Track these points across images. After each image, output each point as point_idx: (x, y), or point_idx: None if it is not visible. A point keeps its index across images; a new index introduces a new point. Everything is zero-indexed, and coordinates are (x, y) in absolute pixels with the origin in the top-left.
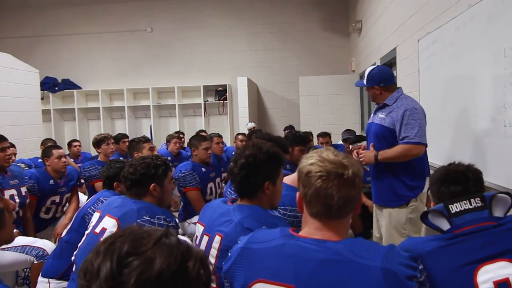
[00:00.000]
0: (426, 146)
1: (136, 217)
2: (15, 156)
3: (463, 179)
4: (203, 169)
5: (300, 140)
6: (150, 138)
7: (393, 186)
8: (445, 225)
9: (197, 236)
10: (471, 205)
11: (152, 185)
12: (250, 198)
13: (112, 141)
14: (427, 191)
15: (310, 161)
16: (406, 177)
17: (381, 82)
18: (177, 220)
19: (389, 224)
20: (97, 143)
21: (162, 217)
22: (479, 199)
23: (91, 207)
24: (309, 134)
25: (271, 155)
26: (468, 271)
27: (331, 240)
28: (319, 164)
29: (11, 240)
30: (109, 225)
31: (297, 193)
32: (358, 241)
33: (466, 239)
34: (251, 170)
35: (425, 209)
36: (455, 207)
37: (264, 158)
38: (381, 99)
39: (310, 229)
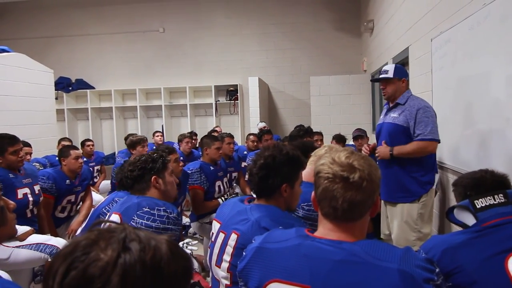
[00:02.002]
0: (439, 142)
1: (136, 209)
2: (30, 156)
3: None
4: (211, 168)
5: (304, 133)
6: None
7: (405, 183)
8: (470, 220)
9: (213, 233)
10: (495, 200)
11: (153, 177)
12: (267, 199)
13: (147, 143)
14: (436, 186)
15: (322, 161)
16: (418, 173)
17: (407, 76)
18: (178, 210)
19: (401, 220)
20: (133, 145)
21: (162, 208)
22: (502, 195)
23: (106, 207)
24: (319, 134)
25: (291, 157)
26: (499, 259)
27: (347, 241)
28: (328, 165)
29: (12, 235)
30: (113, 220)
31: (313, 192)
32: (374, 243)
33: (494, 231)
34: (270, 171)
35: (431, 204)
36: (480, 203)
37: (283, 160)
38: (399, 95)
39: (325, 229)
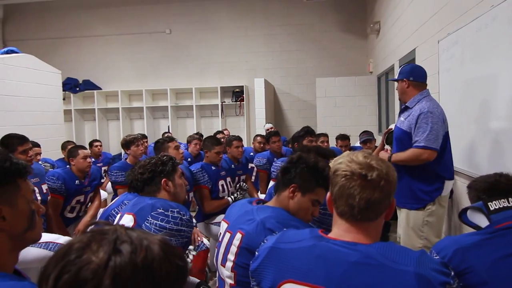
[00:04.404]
0: (437, 151)
1: (150, 210)
2: (40, 156)
3: None
4: (213, 168)
5: (305, 133)
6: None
7: (411, 189)
8: (483, 222)
9: (220, 233)
10: (509, 203)
11: (163, 180)
12: (278, 195)
13: (141, 142)
14: (451, 194)
15: (340, 160)
16: (423, 181)
17: (411, 75)
18: (191, 214)
19: (406, 226)
20: (126, 144)
21: (176, 210)
22: None
23: (115, 209)
24: (325, 135)
25: (316, 167)
26: (510, 261)
27: (362, 243)
28: (347, 164)
29: (38, 240)
30: (126, 220)
31: (328, 193)
32: (390, 245)
33: (507, 233)
34: (290, 166)
35: (444, 212)
36: (494, 205)
37: (307, 164)
38: (407, 97)
39: (340, 230)
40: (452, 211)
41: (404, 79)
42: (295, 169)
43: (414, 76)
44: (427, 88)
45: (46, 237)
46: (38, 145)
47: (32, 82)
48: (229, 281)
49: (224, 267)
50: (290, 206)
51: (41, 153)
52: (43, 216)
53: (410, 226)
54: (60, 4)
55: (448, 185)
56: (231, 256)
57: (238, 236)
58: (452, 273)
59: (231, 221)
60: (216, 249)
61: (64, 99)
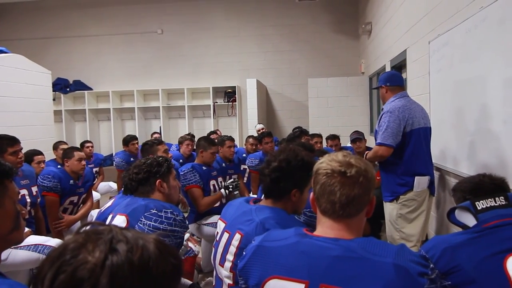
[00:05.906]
0: (392, 148)
1: (144, 211)
2: (43, 163)
3: (502, 194)
4: (204, 168)
5: (301, 132)
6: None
7: (387, 182)
8: (471, 221)
9: (217, 233)
10: (496, 202)
11: (158, 181)
12: (274, 201)
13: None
14: (430, 190)
15: (321, 160)
16: (393, 174)
17: (387, 81)
18: (184, 215)
19: (387, 219)
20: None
21: (169, 210)
22: (503, 198)
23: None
24: (318, 135)
25: (305, 163)
26: (498, 259)
27: (344, 239)
28: (327, 163)
29: (21, 241)
30: (119, 221)
31: (311, 193)
32: (370, 240)
33: (494, 231)
34: (282, 174)
35: (418, 207)
36: (481, 204)
37: (297, 165)
38: (386, 100)
39: (323, 228)
40: (440, 209)
41: (382, 85)
42: (287, 175)
43: (390, 81)
44: (405, 90)
45: (35, 239)
46: (41, 153)
47: (21, 83)
48: (228, 281)
49: (222, 267)
50: (292, 205)
51: (44, 160)
52: (32, 218)
53: (388, 219)
54: (51, 4)
55: (421, 180)
56: (230, 256)
57: (237, 236)
58: (431, 265)
59: (228, 220)
60: (213, 249)
61: (54, 99)
